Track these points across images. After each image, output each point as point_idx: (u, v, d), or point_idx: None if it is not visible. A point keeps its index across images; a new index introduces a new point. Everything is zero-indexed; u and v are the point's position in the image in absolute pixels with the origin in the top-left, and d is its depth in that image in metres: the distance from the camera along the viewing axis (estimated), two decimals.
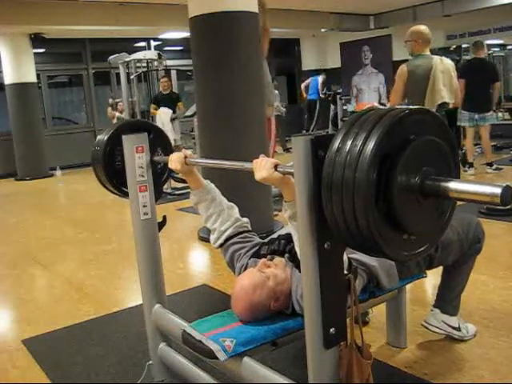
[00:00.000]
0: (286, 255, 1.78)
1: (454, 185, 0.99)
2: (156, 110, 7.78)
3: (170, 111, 7.61)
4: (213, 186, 1.99)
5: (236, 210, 1.99)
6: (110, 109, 9.28)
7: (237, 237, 1.94)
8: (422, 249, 1.10)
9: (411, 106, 1.04)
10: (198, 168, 2.03)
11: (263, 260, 1.77)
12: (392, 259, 1.11)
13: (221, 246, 1.95)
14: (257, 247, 1.90)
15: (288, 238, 1.79)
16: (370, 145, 0.95)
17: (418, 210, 1.03)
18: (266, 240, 1.91)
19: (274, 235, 1.92)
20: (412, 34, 4.04)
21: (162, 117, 7.50)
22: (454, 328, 2.25)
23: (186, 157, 1.86)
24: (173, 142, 7.51)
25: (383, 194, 0.98)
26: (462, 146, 7.17)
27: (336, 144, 1.02)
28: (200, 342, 1.62)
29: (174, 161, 1.88)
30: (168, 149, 2.18)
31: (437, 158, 1.05)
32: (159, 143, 2.15)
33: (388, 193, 0.98)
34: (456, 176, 1.09)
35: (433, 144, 1.04)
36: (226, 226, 1.94)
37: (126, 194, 2.13)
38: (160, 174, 2.20)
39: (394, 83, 4.16)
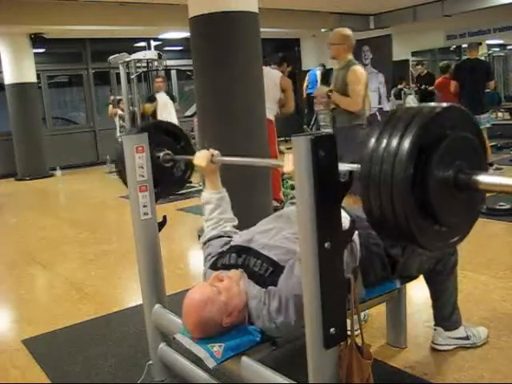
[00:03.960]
0: (240, 269, 1.72)
1: (484, 178, 1.03)
2: (149, 108, 7.82)
3: (167, 103, 7.71)
4: (227, 194, 2.01)
5: (234, 223, 2.01)
6: (110, 106, 9.23)
7: (215, 239, 1.94)
8: (454, 240, 1.14)
9: (444, 104, 1.08)
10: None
11: (216, 273, 1.72)
12: (425, 248, 1.14)
13: (203, 245, 1.97)
14: (218, 256, 1.87)
15: (239, 249, 1.78)
16: (407, 140, 1.00)
17: (451, 201, 1.07)
18: (224, 248, 1.87)
19: (233, 242, 1.88)
20: (341, 37, 3.84)
21: (163, 100, 7.58)
22: (462, 339, 2.23)
23: (212, 155, 1.88)
24: None
25: (419, 187, 1.02)
26: None
27: (373, 138, 1.06)
28: (189, 349, 1.62)
29: (200, 157, 1.91)
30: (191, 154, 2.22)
31: (468, 152, 1.09)
32: (186, 152, 2.22)
33: (424, 186, 1.02)
34: (484, 169, 1.13)
35: (464, 139, 1.09)
36: (215, 231, 1.96)
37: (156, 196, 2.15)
38: (182, 175, 2.26)
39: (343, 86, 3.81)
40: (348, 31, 3.85)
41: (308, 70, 12.74)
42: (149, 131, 2.08)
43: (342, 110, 3.77)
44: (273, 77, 5.13)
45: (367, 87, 3.79)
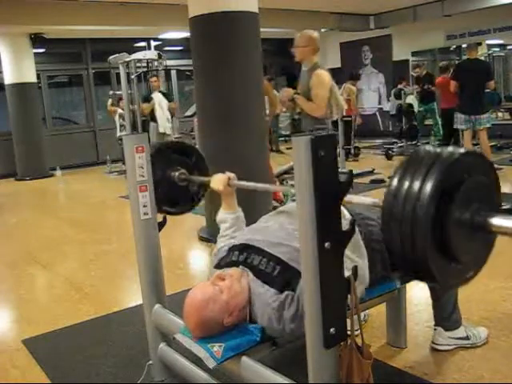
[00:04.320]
0: (241, 266, 1.72)
1: (499, 221, 1.10)
2: (147, 108, 7.86)
3: (162, 101, 7.78)
4: (242, 214, 2.03)
5: None
6: (110, 101, 9.20)
7: (224, 247, 1.93)
8: (469, 275, 1.21)
9: (462, 149, 1.14)
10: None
11: (217, 272, 1.72)
12: (440, 284, 1.22)
13: (214, 256, 1.96)
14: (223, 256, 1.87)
15: (241, 247, 1.78)
16: (430, 183, 1.07)
17: (467, 241, 1.14)
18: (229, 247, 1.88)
19: (236, 241, 1.88)
20: (306, 40, 3.69)
21: (159, 99, 7.66)
22: (462, 339, 2.23)
23: (229, 178, 1.92)
24: (161, 130, 7.66)
25: (439, 227, 1.09)
26: (461, 146, 7.18)
27: (396, 179, 1.13)
28: (189, 349, 1.61)
29: (217, 181, 1.95)
30: (204, 173, 2.26)
31: (484, 195, 1.16)
32: (198, 167, 2.26)
33: (443, 226, 1.09)
34: (498, 209, 1.20)
35: (481, 182, 1.16)
36: (226, 242, 1.96)
37: (168, 213, 2.23)
38: (197, 193, 2.29)
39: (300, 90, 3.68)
40: (314, 33, 3.69)
41: None
42: (162, 151, 2.16)
43: (305, 114, 3.69)
44: None
45: (332, 91, 3.66)
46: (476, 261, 1.20)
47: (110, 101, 9.18)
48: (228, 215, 2.00)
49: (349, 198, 1.37)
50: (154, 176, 2.08)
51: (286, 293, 1.56)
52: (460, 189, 1.09)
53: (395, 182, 1.12)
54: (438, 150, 1.14)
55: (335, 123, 8.15)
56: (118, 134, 8.81)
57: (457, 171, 1.10)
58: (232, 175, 1.96)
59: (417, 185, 1.08)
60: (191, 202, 2.32)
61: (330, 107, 3.66)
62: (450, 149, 1.14)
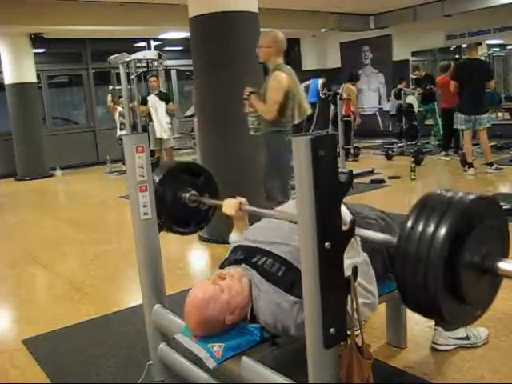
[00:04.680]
0: (243, 264, 1.72)
1: (507, 266, 1.14)
2: (144, 112, 7.78)
3: (160, 104, 7.67)
4: None
5: None
6: (109, 97, 9.16)
7: None
8: (477, 314, 1.24)
9: (474, 194, 1.18)
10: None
11: (218, 271, 1.73)
12: (448, 324, 1.25)
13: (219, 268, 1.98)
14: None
15: (244, 248, 1.79)
16: (443, 228, 1.11)
17: (477, 283, 1.18)
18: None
19: (239, 242, 1.90)
20: (270, 40, 3.54)
21: (153, 102, 7.57)
22: (462, 339, 2.24)
23: (241, 203, 1.95)
24: (158, 134, 7.56)
25: (450, 270, 1.13)
26: (461, 146, 7.18)
27: (409, 222, 1.17)
28: (189, 349, 1.62)
29: (229, 206, 1.97)
30: (214, 193, 2.29)
31: (494, 239, 1.20)
32: (208, 187, 2.29)
33: (455, 269, 1.13)
34: (507, 254, 1.23)
35: (492, 227, 1.20)
36: None
37: (177, 233, 2.28)
38: (206, 213, 2.32)
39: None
40: (279, 34, 3.55)
41: (308, 70, 12.76)
42: (171, 173, 2.20)
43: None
44: None
45: (294, 94, 3.53)
46: (482, 302, 1.25)
47: (109, 96, 9.15)
48: (240, 238, 2.00)
49: (360, 232, 1.42)
50: (165, 197, 2.14)
51: (294, 298, 1.56)
52: (472, 233, 1.13)
53: (410, 223, 1.16)
54: (451, 194, 1.19)
55: (335, 123, 8.23)
56: (118, 133, 8.81)
57: (469, 217, 1.15)
58: (243, 200, 1.99)
59: (431, 228, 1.12)
60: (201, 222, 2.35)
61: (291, 111, 3.52)
62: (462, 194, 1.18)
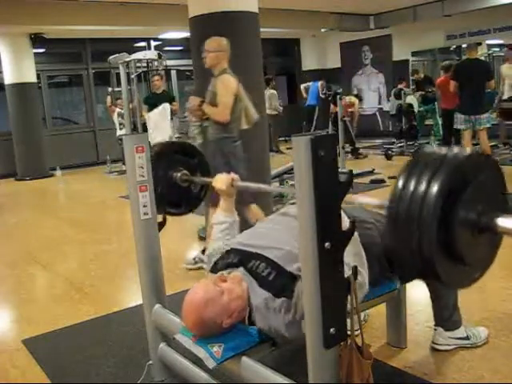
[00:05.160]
0: (241, 268, 1.72)
1: (504, 222, 1.10)
2: (146, 112, 7.65)
3: (167, 109, 7.49)
4: (238, 219, 2.02)
5: None
6: (108, 98, 9.14)
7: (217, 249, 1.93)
8: (476, 276, 1.21)
9: (468, 150, 1.15)
10: None
11: (219, 273, 1.73)
12: (446, 285, 1.21)
13: (208, 258, 1.97)
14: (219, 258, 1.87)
15: (240, 251, 1.78)
16: (436, 185, 1.06)
17: (474, 242, 1.13)
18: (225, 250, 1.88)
19: (233, 245, 1.88)
20: (219, 44, 3.52)
21: (152, 118, 7.38)
22: (462, 339, 2.24)
23: (233, 179, 1.93)
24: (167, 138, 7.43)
25: (444, 229, 1.08)
26: (461, 146, 7.17)
27: (401, 181, 1.12)
28: (189, 349, 1.62)
29: (221, 181, 1.95)
30: (206, 174, 2.28)
31: (490, 196, 1.16)
32: (200, 168, 2.28)
33: (449, 227, 1.08)
34: (504, 209, 1.18)
35: (488, 183, 1.15)
36: (218, 243, 1.96)
37: (170, 214, 2.24)
38: (198, 194, 2.31)
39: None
40: (225, 39, 3.55)
41: (308, 70, 12.77)
42: (164, 153, 2.17)
43: (212, 121, 3.53)
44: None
45: (241, 100, 3.52)
46: (482, 262, 1.20)
47: (108, 98, 9.14)
48: (226, 218, 1.99)
49: (355, 197, 1.38)
50: (156, 177, 2.08)
51: (282, 299, 1.57)
52: (466, 190, 1.09)
53: (401, 183, 1.11)
54: (443, 151, 1.14)
55: (335, 123, 8.25)
56: (118, 133, 8.80)
57: (463, 173, 1.10)
58: (236, 176, 1.97)
59: (423, 186, 1.07)
60: (193, 202, 2.33)
61: (238, 116, 3.50)
62: (456, 150, 1.13)
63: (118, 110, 8.78)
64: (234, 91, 3.42)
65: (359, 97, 10.16)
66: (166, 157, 2.19)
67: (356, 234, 1.62)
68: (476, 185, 1.10)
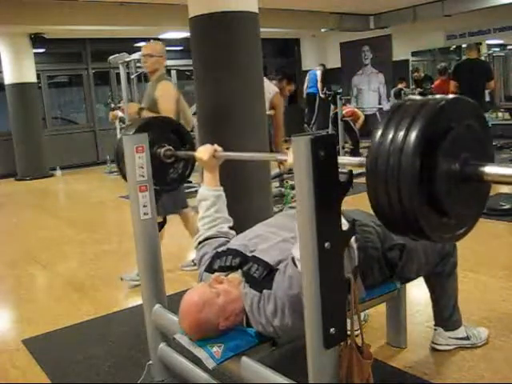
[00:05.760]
0: (239, 271, 1.71)
1: (491, 169, 1.03)
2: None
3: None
4: (224, 193, 2.00)
5: (230, 224, 2.00)
6: (111, 114, 9.13)
7: (211, 239, 1.93)
8: (461, 231, 1.14)
9: (449, 96, 1.07)
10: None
11: (216, 275, 1.72)
12: (433, 241, 1.13)
13: (198, 244, 1.96)
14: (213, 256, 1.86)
15: (236, 253, 1.77)
16: (414, 132, 0.99)
17: (458, 194, 1.07)
18: (220, 249, 1.87)
19: (230, 245, 1.87)
20: (161, 49, 3.52)
21: None
22: (462, 339, 2.24)
23: (215, 150, 1.90)
24: None
25: (426, 180, 1.02)
26: None
27: (379, 132, 1.05)
28: (188, 349, 1.62)
29: (203, 151, 1.92)
30: (192, 147, 2.25)
31: (474, 144, 1.09)
32: (186, 141, 2.25)
33: (431, 179, 1.02)
34: (491, 159, 1.13)
35: (470, 130, 1.08)
36: (211, 231, 1.95)
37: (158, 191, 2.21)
38: (183, 169, 2.27)
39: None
40: (161, 43, 3.55)
41: (307, 70, 12.76)
42: (148, 127, 2.10)
43: None
44: (267, 89, 5.06)
45: (180, 105, 3.52)
46: (468, 215, 1.14)
47: (110, 113, 9.09)
48: (210, 192, 1.97)
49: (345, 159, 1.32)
50: None
51: (263, 291, 1.58)
52: (447, 137, 1.02)
53: (378, 134, 1.05)
54: (424, 98, 1.08)
55: (335, 123, 8.24)
56: (119, 135, 8.79)
57: (443, 119, 1.03)
58: (219, 148, 1.94)
59: (401, 135, 1.01)
60: (181, 177, 2.30)
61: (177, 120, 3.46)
62: (437, 96, 1.07)
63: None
64: (175, 97, 3.41)
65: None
66: (151, 132, 2.12)
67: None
68: (459, 131, 1.04)
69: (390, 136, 1.03)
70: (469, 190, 1.08)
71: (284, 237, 1.76)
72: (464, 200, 1.09)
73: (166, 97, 3.40)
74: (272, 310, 1.56)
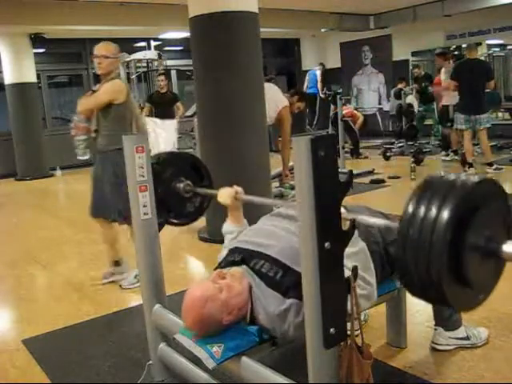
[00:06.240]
0: (244, 266, 1.72)
1: (510, 248, 1.13)
2: (150, 110, 7.54)
3: (174, 122, 7.40)
4: (248, 227, 2.03)
5: None
6: None
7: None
8: (481, 298, 1.24)
9: (477, 177, 1.16)
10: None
11: (218, 270, 1.73)
12: (454, 308, 1.23)
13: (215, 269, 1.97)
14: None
15: (242, 249, 1.78)
16: (447, 211, 1.08)
17: (481, 267, 1.16)
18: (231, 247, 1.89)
19: (237, 243, 1.89)
20: (116, 50, 3.52)
21: (160, 125, 7.24)
22: (462, 339, 2.24)
23: (236, 192, 1.92)
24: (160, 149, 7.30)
25: (454, 254, 1.11)
26: (461, 145, 7.17)
27: (410, 208, 1.14)
28: (188, 349, 1.62)
29: (225, 195, 1.95)
30: (209, 184, 2.29)
31: (498, 222, 1.19)
32: (204, 177, 2.30)
33: (458, 252, 1.11)
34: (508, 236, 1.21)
35: (495, 210, 1.18)
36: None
37: (173, 224, 2.28)
38: (201, 204, 2.30)
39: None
40: (115, 44, 3.51)
41: (307, 70, 12.76)
42: (169, 161, 2.20)
43: (102, 133, 3.50)
44: (275, 95, 5.06)
45: (131, 108, 3.47)
46: (486, 285, 1.24)
47: None
48: (234, 228, 2.01)
49: (364, 218, 1.40)
50: (159, 188, 2.10)
51: (291, 300, 1.56)
52: (475, 216, 1.11)
53: (411, 208, 1.14)
54: (453, 177, 1.16)
55: (335, 123, 8.25)
56: None
57: (473, 199, 1.13)
58: (239, 189, 1.97)
59: (434, 212, 1.10)
60: (196, 213, 2.33)
61: (129, 124, 3.44)
62: (465, 177, 1.16)
63: None
64: (117, 95, 3.32)
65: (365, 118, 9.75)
66: (171, 166, 2.20)
67: (365, 246, 1.62)
68: (484, 211, 1.14)
69: (423, 211, 1.12)
70: (489, 264, 1.18)
71: (290, 230, 1.75)
72: (485, 272, 1.19)
73: (107, 90, 3.35)
74: (299, 322, 1.52)
